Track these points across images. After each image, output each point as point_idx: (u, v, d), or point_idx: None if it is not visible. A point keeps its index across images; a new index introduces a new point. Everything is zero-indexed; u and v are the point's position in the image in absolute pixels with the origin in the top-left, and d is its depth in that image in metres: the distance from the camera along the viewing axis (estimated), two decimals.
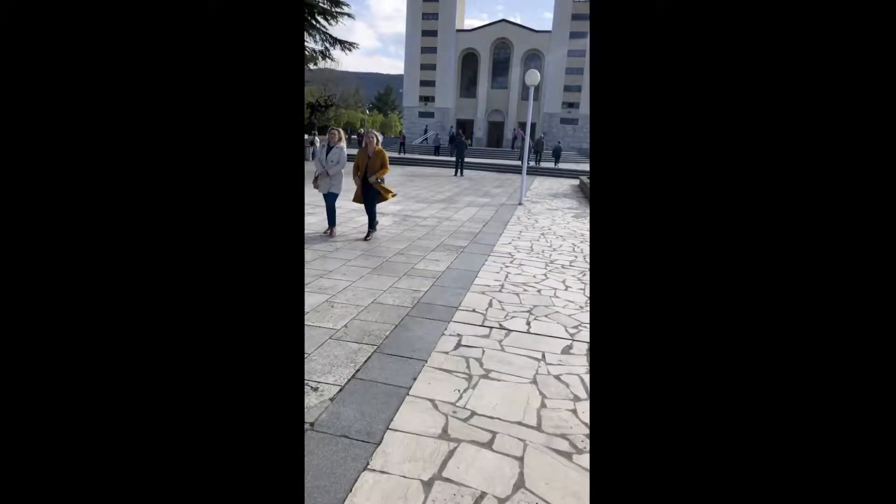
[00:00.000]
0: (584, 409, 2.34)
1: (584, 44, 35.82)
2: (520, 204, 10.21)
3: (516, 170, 21.44)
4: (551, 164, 23.41)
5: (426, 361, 2.71)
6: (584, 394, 2.47)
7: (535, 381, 2.55)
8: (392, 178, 14.52)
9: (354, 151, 8.14)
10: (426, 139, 27.80)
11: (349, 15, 17.38)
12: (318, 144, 20.25)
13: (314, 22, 17.13)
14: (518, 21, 38.75)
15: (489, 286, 4.27)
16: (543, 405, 2.33)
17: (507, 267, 4.96)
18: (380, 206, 8.45)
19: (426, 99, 40.64)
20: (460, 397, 2.35)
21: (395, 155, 24.68)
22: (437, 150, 26.07)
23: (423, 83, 40.38)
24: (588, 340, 3.27)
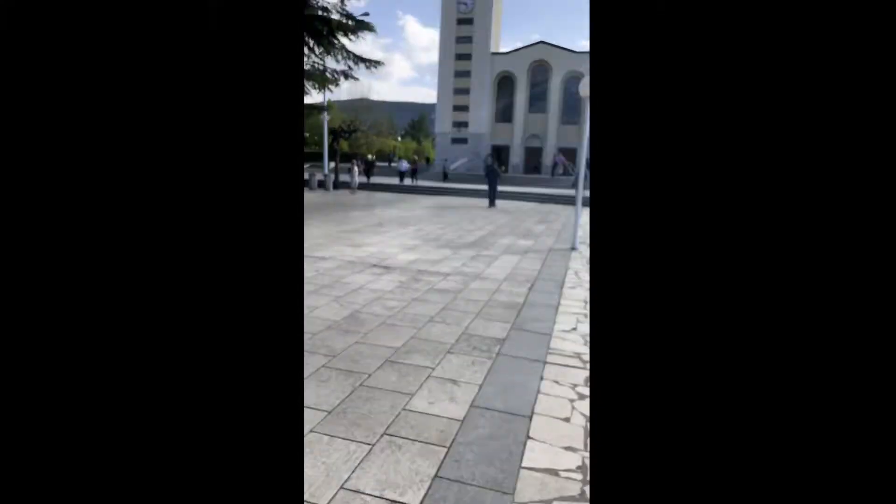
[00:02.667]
0: None
1: None
2: (574, 249, 7.84)
3: (559, 200, 19.08)
4: None
5: None
6: None
7: None
8: (417, 211, 12.67)
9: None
10: (445, 165, 26.30)
11: (369, 28, 15.78)
12: (355, 169, 18.68)
13: (334, 41, 15.62)
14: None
15: (557, 469, 1.97)
16: None
17: (578, 393, 2.64)
18: (386, 257, 6.29)
19: (460, 124, 39.11)
20: None
21: (402, 182, 22.81)
22: (445, 176, 24.47)
23: (457, 108, 38.95)
24: None
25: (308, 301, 4.29)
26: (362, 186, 20.26)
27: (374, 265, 5.96)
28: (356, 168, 19.25)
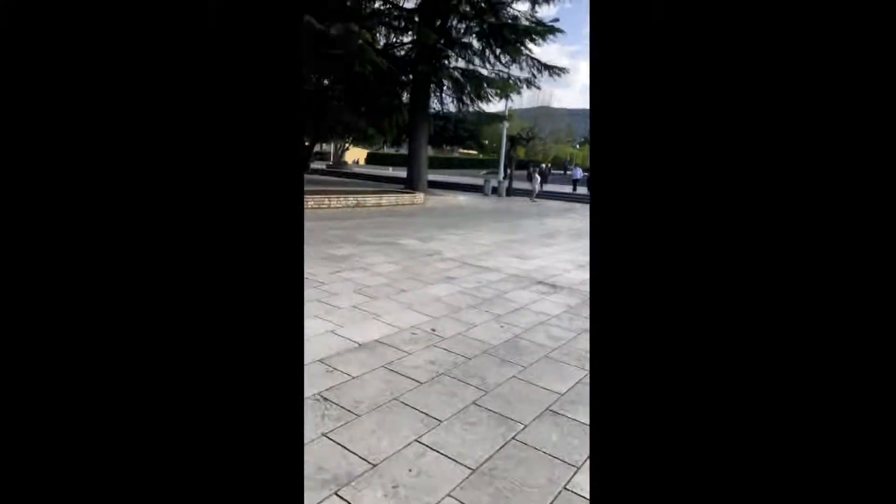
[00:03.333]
0: None
1: None
2: None
3: None
4: None
5: None
6: None
7: None
8: (588, 221, 11.81)
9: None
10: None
11: (559, 31, 15.17)
12: (537, 177, 18.56)
13: (521, 48, 15.47)
14: None
15: None
16: None
17: None
18: (554, 273, 5.69)
19: None
20: None
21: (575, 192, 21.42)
22: (574, 186, 21.17)
23: None
24: None
25: (467, 317, 3.99)
26: (522, 194, 19.83)
27: (541, 282, 5.43)
28: (538, 176, 18.88)
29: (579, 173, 21.71)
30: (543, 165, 22.46)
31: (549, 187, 20.93)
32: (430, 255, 6.53)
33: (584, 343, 3.58)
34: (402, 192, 14.13)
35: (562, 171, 36.07)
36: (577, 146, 59.03)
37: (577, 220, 12.74)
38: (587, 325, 4.04)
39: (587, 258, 7.07)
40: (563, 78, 18.63)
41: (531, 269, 6.08)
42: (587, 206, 16.94)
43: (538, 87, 17.16)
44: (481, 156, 40.68)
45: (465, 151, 42.53)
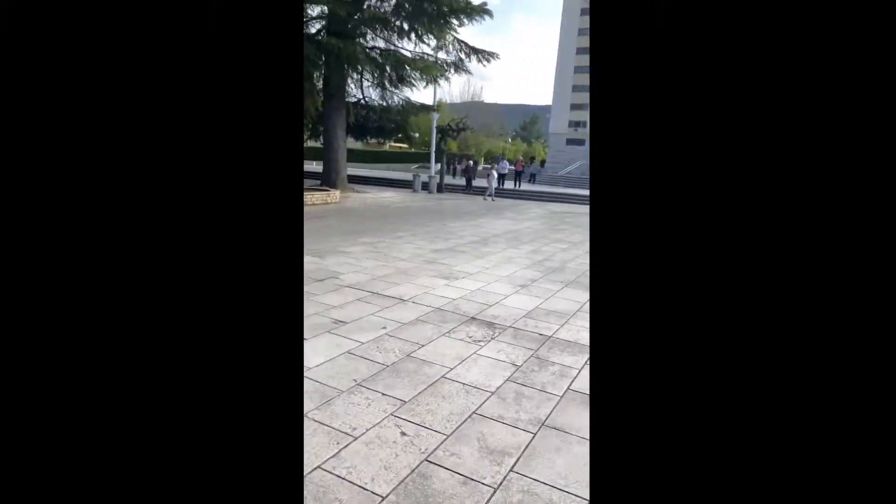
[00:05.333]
0: None
1: None
2: None
3: None
4: None
5: None
6: None
7: None
8: (528, 223, 9.79)
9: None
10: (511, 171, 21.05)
11: (487, 11, 13.76)
12: (494, 174, 16.96)
13: (446, 26, 13.91)
14: None
15: None
16: None
17: None
18: (490, 301, 4.09)
19: (577, 124, 35.87)
20: None
21: (501, 186, 20.39)
22: (468, 184, 18.83)
23: (574, 107, 35.74)
24: None
25: (348, 415, 2.32)
26: (453, 190, 18.44)
27: (473, 318, 3.87)
28: (494, 173, 17.30)
29: (506, 167, 20.25)
30: (471, 162, 20.81)
31: (478, 182, 19.57)
32: (320, 279, 4.77)
33: (555, 463, 2.03)
34: (315, 190, 12.11)
35: (489, 165, 35.16)
36: (510, 140, 58.94)
37: (515, 220, 11.38)
38: (552, 407, 2.51)
39: (531, 273, 5.60)
40: (493, 70, 17.34)
41: (460, 295, 4.51)
42: (525, 203, 15.76)
43: (469, 72, 15.71)
44: (413, 149, 38.95)
45: (396, 145, 40.60)
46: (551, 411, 2.47)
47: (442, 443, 2.12)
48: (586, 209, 15.72)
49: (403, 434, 2.17)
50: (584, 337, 3.63)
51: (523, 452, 2.09)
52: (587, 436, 2.26)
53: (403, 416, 2.32)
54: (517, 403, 2.53)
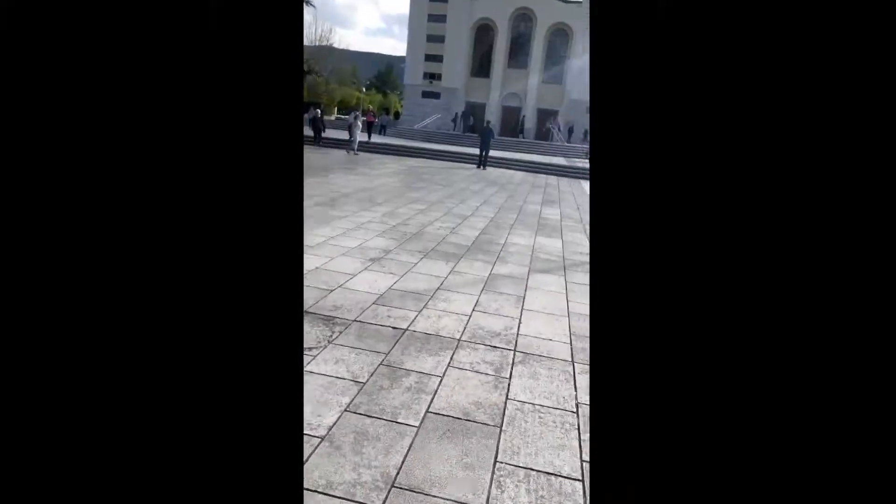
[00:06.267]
0: None
1: None
2: None
3: (550, 170, 16.32)
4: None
5: None
6: None
7: None
8: (383, 179, 9.10)
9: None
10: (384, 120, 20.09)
11: None
12: (358, 123, 15.11)
13: None
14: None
15: None
16: None
17: None
18: (333, 283, 3.17)
19: (432, 76, 35.22)
20: None
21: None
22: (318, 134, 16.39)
23: (429, 58, 34.91)
24: None
25: None
26: (310, 142, 16.76)
27: (307, 312, 2.98)
28: (358, 122, 15.44)
29: (360, 119, 18.49)
30: (318, 111, 18.63)
31: (330, 133, 17.86)
32: None
33: None
34: None
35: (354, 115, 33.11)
36: (364, 90, 56.36)
37: (368, 177, 10.42)
38: (401, 444, 1.81)
39: (384, 242, 4.83)
40: (346, 18, 15.57)
41: None
42: (381, 158, 14.74)
43: (311, 4, 13.77)
44: None
45: None
46: (405, 457, 1.78)
47: None
48: (443, 164, 15.38)
49: None
50: (447, 325, 3.02)
51: None
52: (458, 494, 1.61)
53: None
54: (357, 453, 1.78)
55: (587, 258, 5.20)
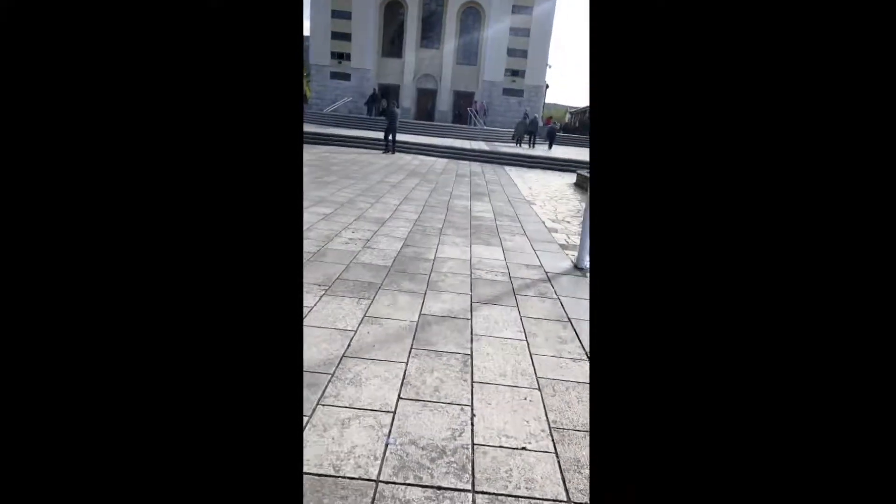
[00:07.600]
0: None
1: (533, 0, 30.12)
2: (580, 269, 4.13)
3: (472, 156, 15.37)
4: (544, 150, 18.76)
5: None
6: None
7: None
8: None
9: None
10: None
11: None
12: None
13: None
14: None
15: None
16: None
17: None
18: None
19: (340, 56, 32.81)
20: None
21: None
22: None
23: (336, 35, 32.43)
24: None
25: None
26: None
27: None
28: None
29: None
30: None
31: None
32: None
33: None
34: None
35: None
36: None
37: None
38: None
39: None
40: None
41: None
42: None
43: None
44: None
45: None
46: None
47: None
48: (358, 153, 13.80)
49: None
50: (357, 447, 1.79)
51: None
52: None
53: None
54: None
55: (535, 273, 4.18)
